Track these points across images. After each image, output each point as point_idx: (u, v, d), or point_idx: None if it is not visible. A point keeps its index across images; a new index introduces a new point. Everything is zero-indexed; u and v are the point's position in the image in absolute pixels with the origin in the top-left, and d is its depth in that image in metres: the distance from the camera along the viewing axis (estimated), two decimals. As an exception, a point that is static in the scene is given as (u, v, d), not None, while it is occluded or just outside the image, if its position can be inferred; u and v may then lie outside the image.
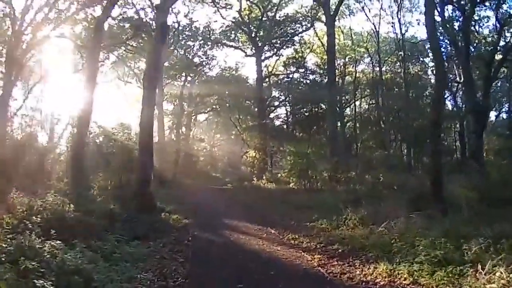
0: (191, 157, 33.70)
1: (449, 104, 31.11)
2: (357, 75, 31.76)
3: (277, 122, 33.03)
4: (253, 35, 29.20)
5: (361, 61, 32.74)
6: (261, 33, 29.35)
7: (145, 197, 10.43)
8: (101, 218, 7.94)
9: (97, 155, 15.72)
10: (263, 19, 28.66)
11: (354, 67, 32.17)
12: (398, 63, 30.42)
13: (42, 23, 14.29)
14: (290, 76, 31.69)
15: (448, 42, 23.07)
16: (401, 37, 28.65)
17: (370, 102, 34.36)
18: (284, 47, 30.61)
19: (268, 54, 30.59)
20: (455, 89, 29.64)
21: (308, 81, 31.09)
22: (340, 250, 6.75)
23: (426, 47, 30.42)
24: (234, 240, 8.05)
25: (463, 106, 28.89)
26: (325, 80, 28.37)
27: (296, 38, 30.39)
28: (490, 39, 20.31)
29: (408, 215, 7.62)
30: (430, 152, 11.73)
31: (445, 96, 30.88)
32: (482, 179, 12.30)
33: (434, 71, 12.60)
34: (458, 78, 27.23)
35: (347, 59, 31.81)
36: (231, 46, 31.29)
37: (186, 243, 7.53)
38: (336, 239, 7.48)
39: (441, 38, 24.32)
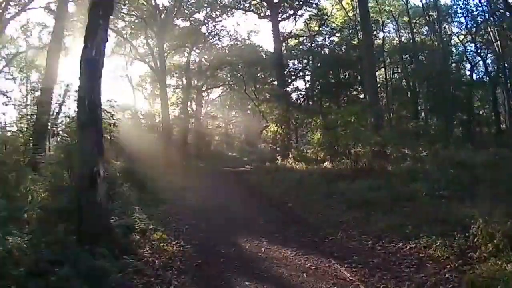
0: (203, 136, 29.80)
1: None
2: (381, 41, 27.95)
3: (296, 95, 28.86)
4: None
5: (385, 26, 28.96)
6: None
7: (90, 211, 5.23)
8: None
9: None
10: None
11: (381, 30, 28.18)
12: (427, 27, 27.44)
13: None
14: (313, 37, 27.48)
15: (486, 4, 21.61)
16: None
17: (396, 69, 30.64)
18: (303, 8, 26.50)
19: (285, 15, 26.41)
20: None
21: (334, 43, 27.51)
22: None
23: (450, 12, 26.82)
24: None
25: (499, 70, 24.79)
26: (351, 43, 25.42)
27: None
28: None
29: None
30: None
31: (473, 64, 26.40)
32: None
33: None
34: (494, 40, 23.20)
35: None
36: (243, 9, 27.11)
37: None
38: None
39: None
